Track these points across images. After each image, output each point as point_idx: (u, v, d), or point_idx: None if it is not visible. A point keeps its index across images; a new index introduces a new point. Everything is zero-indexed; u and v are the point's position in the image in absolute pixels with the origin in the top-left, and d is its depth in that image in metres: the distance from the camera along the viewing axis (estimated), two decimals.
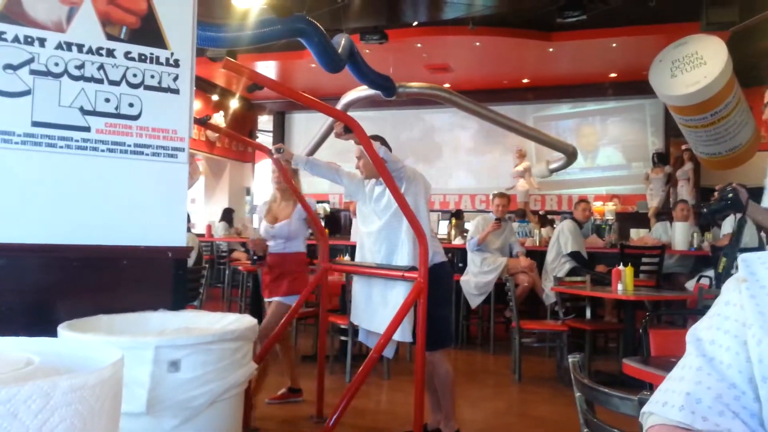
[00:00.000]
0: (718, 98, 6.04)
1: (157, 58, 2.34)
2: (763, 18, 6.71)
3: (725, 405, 0.59)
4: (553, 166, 9.85)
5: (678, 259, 6.28)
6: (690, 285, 5.50)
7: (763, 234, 4.78)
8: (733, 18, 6.69)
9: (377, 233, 3.29)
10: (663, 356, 1.98)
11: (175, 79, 2.35)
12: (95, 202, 2.24)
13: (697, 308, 3.91)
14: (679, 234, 6.28)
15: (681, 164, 9.32)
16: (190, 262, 6.35)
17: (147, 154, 2.30)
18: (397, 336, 3.00)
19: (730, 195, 2.42)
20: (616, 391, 1.28)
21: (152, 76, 2.32)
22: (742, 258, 0.66)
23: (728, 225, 5.81)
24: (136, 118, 2.29)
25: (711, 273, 5.33)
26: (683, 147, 8.90)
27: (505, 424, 3.78)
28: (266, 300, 3.84)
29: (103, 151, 2.25)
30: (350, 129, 2.82)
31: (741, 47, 6.80)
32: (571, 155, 9.45)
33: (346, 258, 6.00)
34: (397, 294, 3.09)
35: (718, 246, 5.53)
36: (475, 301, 5.92)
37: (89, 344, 0.69)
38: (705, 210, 2.57)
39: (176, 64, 2.37)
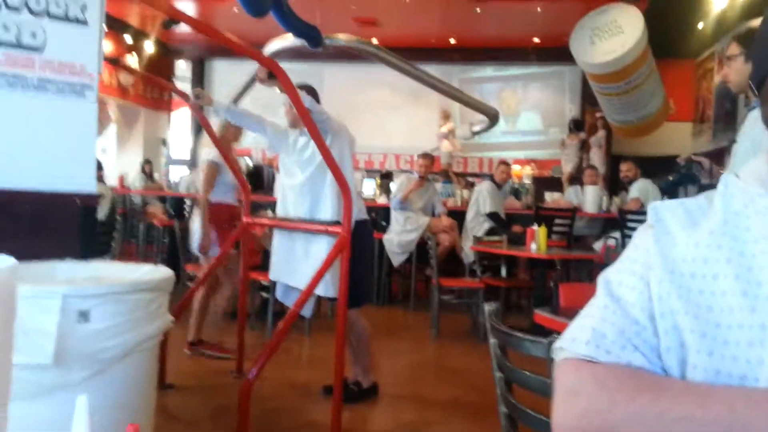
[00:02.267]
0: (632, 67, 6.30)
1: None
2: None
3: (627, 339, 0.63)
4: (476, 128, 10.02)
5: (588, 222, 6.61)
6: (598, 246, 5.82)
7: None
8: None
9: (300, 186, 3.23)
10: (572, 307, 2.08)
11: (83, 9, 2.16)
12: None
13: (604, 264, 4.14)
14: (589, 197, 6.59)
15: (594, 131, 9.73)
16: (102, 214, 6.02)
17: (52, 91, 2.11)
18: (319, 291, 2.99)
19: (683, 170, 2.56)
20: (527, 336, 1.34)
21: (57, 5, 2.12)
22: (651, 206, 0.70)
23: (635, 190, 6.17)
24: (39, 50, 2.09)
25: (618, 234, 5.66)
26: (597, 115, 9.27)
27: (422, 376, 3.90)
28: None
29: (1, 85, 2.04)
30: (274, 75, 2.72)
31: (656, 18, 7.09)
32: (493, 118, 9.63)
33: (269, 213, 5.89)
34: (320, 248, 3.06)
35: (625, 210, 5.86)
36: (397, 260, 6.00)
37: None
38: (663, 185, 2.72)
39: None
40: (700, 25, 7.53)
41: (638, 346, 0.62)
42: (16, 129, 2.08)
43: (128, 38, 9.96)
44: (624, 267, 0.69)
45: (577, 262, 5.01)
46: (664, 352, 0.62)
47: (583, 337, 0.65)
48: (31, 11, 2.07)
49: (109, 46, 8.71)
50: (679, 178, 2.67)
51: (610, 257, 4.19)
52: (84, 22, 2.15)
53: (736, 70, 2.43)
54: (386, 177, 7.76)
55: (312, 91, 3.17)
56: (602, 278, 0.70)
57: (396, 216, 6.03)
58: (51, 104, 2.11)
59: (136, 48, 10.15)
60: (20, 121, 2.08)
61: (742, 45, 2.43)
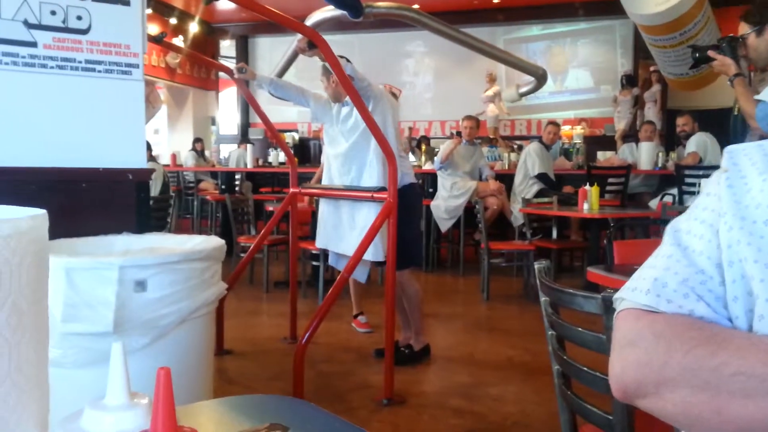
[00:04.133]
0: (687, 17, 6.00)
1: None
2: None
3: (690, 288, 0.61)
4: (523, 89, 9.76)
5: (643, 179, 6.40)
6: (654, 203, 5.63)
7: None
8: None
9: (345, 154, 3.25)
10: (626, 264, 2.03)
11: None
12: (48, 121, 2.14)
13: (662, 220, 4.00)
14: (644, 154, 6.37)
15: (649, 86, 9.33)
16: (156, 191, 6.23)
17: (100, 71, 2.18)
18: (369, 256, 3.02)
19: (724, 44, 2.48)
20: (579, 291, 1.31)
21: None
22: (726, 149, 0.67)
23: (693, 144, 5.91)
24: (85, 32, 2.16)
25: (675, 191, 5.46)
26: (651, 68, 8.88)
27: (474, 338, 3.91)
28: None
29: (52, 68, 2.12)
30: (314, 44, 2.72)
31: None
32: (540, 78, 9.36)
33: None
34: (366, 215, 3.09)
35: (682, 165, 5.63)
36: (445, 225, 5.99)
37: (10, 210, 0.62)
38: (696, 53, 2.62)
39: None
40: None
41: (702, 296, 0.60)
42: (68, 109, 2.16)
43: (173, 20, 10.14)
44: (694, 215, 0.66)
45: (632, 221, 4.87)
46: (730, 302, 0.59)
47: (643, 286, 0.64)
48: None
49: (154, 29, 8.87)
50: (720, 52, 2.57)
51: (666, 214, 4.05)
52: (126, 3, 2.20)
53: (751, 48, 2.38)
54: (422, 142, 7.73)
55: (348, 62, 3.17)
56: (671, 227, 0.68)
57: (442, 182, 5.99)
58: (100, 84, 2.18)
59: (181, 30, 10.33)
60: (73, 101, 2.16)
61: (749, 23, 2.40)
